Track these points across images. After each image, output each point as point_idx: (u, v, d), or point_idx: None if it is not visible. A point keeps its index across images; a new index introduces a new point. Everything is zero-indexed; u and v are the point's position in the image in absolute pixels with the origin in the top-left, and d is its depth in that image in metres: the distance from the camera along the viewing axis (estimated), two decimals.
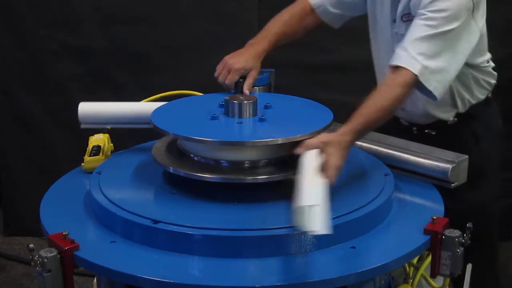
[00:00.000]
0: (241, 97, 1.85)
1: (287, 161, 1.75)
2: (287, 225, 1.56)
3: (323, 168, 1.62)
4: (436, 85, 1.87)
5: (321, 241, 1.54)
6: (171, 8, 3.41)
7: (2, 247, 3.67)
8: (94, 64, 3.50)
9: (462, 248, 1.65)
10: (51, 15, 3.45)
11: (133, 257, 1.55)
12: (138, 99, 2.12)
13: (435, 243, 1.63)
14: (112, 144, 2.13)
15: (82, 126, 2.04)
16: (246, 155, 1.74)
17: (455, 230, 1.65)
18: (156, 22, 3.43)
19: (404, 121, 2.24)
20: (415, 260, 1.78)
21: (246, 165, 1.74)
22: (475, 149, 2.10)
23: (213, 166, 1.74)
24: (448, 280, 1.84)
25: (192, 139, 1.72)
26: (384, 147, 1.99)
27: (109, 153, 2.08)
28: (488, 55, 2.15)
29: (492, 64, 2.18)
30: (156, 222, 1.59)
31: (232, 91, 2.01)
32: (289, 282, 1.46)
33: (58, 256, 1.54)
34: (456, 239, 1.63)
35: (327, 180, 1.59)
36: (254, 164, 1.74)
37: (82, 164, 2.01)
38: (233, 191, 1.71)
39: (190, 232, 1.55)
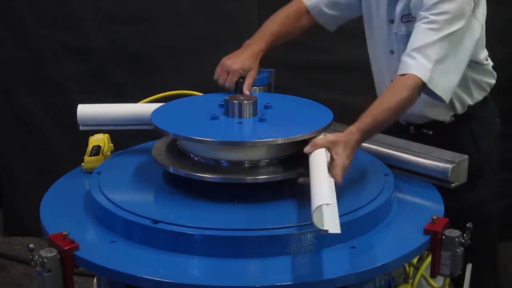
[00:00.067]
0: (241, 97, 1.85)
1: (287, 161, 1.75)
2: (287, 225, 1.56)
3: (330, 168, 1.63)
4: (445, 89, 1.87)
5: (321, 241, 1.55)
6: (171, 8, 3.41)
7: (2, 247, 3.67)
8: (94, 64, 3.50)
9: (462, 248, 1.65)
10: (51, 15, 3.45)
11: (133, 257, 1.55)
12: (138, 99, 2.12)
13: (435, 243, 1.63)
14: (112, 144, 2.13)
15: (81, 128, 2.04)
16: (246, 155, 1.74)
17: (455, 230, 1.65)
18: (156, 22, 3.43)
19: (401, 120, 2.24)
20: (415, 260, 1.78)
21: (246, 165, 1.74)
22: (473, 149, 2.10)
23: (213, 166, 1.74)
24: (448, 280, 1.84)
25: (192, 139, 1.72)
26: (384, 147, 1.99)
27: (109, 153, 2.09)
28: (486, 52, 2.15)
29: (491, 63, 2.18)
30: (156, 222, 1.59)
31: (232, 91, 2.01)
32: (289, 282, 1.45)
33: (58, 256, 1.54)
34: (456, 239, 1.63)
35: (334, 179, 1.60)
36: (254, 164, 1.74)
37: (82, 164, 2.01)
38: (233, 191, 1.71)
39: (190, 232, 1.55)
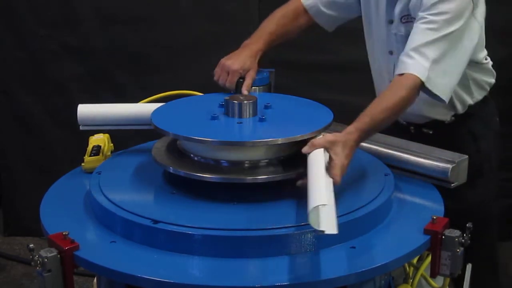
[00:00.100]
0: (241, 97, 1.85)
1: (287, 161, 1.75)
2: (287, 225, 1.56)
3: (329, 168, 1.63)
4: (444, 89, 1.87)
5: (321, 241, 1.55)
6: (171, 8, 3.41)
7: (2, 247, 3.67)
8: (94, 64, 3.50)
9: (462, 248, 1.65)
10: (51, 15, 3.45)
11: (133, 257, 1.55)
12: (138, 99, 2.12)
13: (435, 243, 1.63)
14: (112, 144, 2.13)
15: (82, 128, 2.04)
16: (246, 155, 1.74)
17: (455, 230, 1.65)
18: (156, 22, 3.43)
19: (401, 120, 2.24)
20: (415, 260, 1.78)
21: (246, 165, 1.74)
22: (473, 148, 2.11)
23: (213, 166, 1.74)
24: (448, 280, 1.84)
25: (192, 139, 1.72)
26: (384, 147, 1.99)
27: (109, 153, 2.09)
28: (485, 51, 2.15)
29: (491, 62, 2.18)
30: (156, 222, 1.59)
31: (232, 91, 2.01)
32: (289, 282, 1.45)
33: (58, 256, 1.54)
34: (456, 239, 1.63)
35: (333, 179, 1.60)
36: (254, 164, 1.74)
37: (82, 164, 2.01)
38: (233, 191, 1.71)
39: (190, 232, 1.55)
